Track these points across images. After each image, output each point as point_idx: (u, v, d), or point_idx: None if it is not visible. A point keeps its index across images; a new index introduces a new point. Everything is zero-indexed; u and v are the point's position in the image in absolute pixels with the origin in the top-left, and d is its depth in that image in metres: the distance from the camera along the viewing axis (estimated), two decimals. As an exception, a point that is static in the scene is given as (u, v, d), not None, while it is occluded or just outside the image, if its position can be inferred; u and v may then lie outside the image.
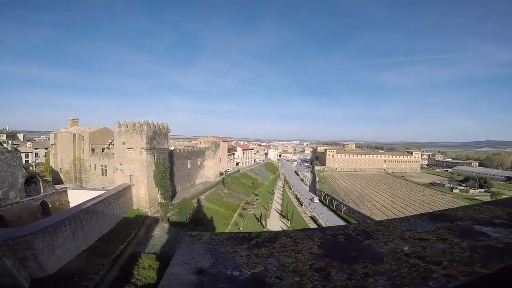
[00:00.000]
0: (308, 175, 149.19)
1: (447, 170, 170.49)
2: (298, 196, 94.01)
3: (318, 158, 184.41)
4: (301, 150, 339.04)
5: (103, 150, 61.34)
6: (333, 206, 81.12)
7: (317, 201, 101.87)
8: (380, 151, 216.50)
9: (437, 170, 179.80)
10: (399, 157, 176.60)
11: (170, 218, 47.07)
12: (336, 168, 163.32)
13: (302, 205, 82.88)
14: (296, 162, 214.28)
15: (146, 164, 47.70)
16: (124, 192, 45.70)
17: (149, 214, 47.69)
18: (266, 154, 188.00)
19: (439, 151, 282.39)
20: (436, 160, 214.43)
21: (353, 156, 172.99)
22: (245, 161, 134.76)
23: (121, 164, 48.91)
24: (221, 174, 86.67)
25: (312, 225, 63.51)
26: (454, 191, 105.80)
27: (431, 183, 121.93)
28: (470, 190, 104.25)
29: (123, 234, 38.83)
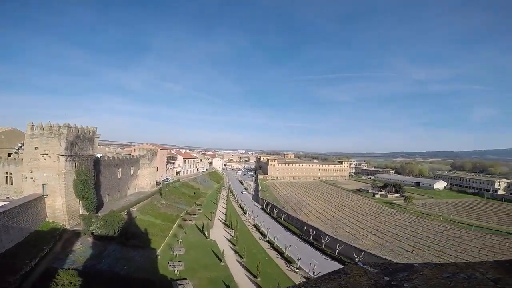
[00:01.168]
0: (252, 184, 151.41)
1: (370, 177, 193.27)
2: (242, 205, 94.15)
3: (261, 167, 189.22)
4: (246, 159, 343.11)
5: (9, 155, 51.41)
6: (274, 214, 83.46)
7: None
8: (315, 160, 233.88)
9: (363, 177, 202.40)
10: (332, 166, 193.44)
11: (94, 231, 41.79)
12: (277, 177, 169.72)
13: (245, 214, 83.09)
14: (241, 171, 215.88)
15: (64, 172, 41.55)
16: (34, 203, 39.41)
17: (67, 227, 41.93)
18: (211, 163, 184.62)
19: (364, 161, 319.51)
20: (362, 169, 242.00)
21: (292, 165, 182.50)
22: (187, 170, 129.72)
23: (31, 172, 41.67)
24: (158, 184, 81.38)
25: (255, 234, 64.03)
26: (376, 196, 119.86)
27: (357, 189, 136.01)
28: (389, 195, 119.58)
29: (34, 248, 34.52)
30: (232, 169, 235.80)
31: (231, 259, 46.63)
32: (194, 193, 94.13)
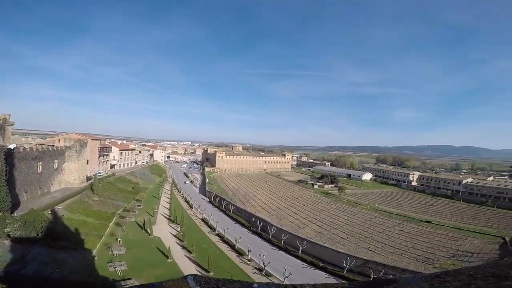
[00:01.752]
0: (198, 176, 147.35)
1: (309, 169, 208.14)
2: (188, 198, 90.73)
3: (208, 160, 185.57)
4: (192, 151, 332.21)
5: None
6: (222, 207, 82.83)
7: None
8: (261, 153, 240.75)
9: (303, 169, 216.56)
10: (276, 158, 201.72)
11: (11, 233, 34.84)
12: (225, 169, 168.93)
13: (192, 208, 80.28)
14: (186, 164, 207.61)
15: (-37, 166, 33.14)
16: None
17: (-29, 233, 33.55)
18: (152, 155, 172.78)
19: (304, 154, 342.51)
20: (302, 161, 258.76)
21: (240, 157, 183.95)
22: (124, 163, 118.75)
23: None
24: (89, 179, 72.34)
25: (204, 228, 62.46)
26: (315, 187, 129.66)
27: (298, 181, 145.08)
28: (325, 186, 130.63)
29: None
30: (177, 162, 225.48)
31: (179, 255, 44.68)
32: (133, 188, 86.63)
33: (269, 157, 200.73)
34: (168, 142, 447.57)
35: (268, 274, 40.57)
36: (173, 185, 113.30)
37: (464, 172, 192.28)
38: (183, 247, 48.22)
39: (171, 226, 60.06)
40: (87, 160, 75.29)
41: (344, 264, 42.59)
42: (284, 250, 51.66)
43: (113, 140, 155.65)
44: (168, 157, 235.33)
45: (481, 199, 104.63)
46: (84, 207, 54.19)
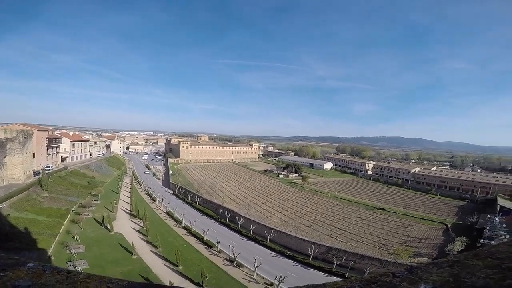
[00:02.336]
0: (161, 168, 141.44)
1: (275, 159, 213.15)
2: (150, 192, 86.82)
3: (172, 150, 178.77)
4: (154, 141, 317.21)
5: None
6: (188, 199, 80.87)
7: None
8: (229, 143, 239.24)
9: (269, 159, 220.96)
10: (243, 148, 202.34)
11: None
12: (190, 160, 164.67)
13: (155, 201, 77.04)
14: (147, 155, 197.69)
15: None
16: None
17: None
18: (109, 146, 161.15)
19: (271, 144, 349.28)
20: (269, 151, 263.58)
21: (206, 148, 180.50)
22: (77, 156, 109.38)
23: None
24: (37, 173, 65.23)
25: (169, 221, 60.55)
26: (280, 176, 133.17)
27: (265, 170, 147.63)
28: (290, 175, 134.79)
29: None
30: (137, 153, 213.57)
31: (144, 250, 43.02)
32: (88, 182, 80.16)
33: (236, 147, 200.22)
34: (128, 132, 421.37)
35: (239, 265, 41.01)
36: (133, 178, 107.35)
37: (412, 162, 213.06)
38: (148, 242, 46.49)
39: (133, 221, 57.23)
40: (33, 153, 67.55)
41: (309, 252, 44.78)
42: (253, 240, 52.59)
43: (64, 130, 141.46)
44: (128, 148, 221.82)
45: (427, 188, 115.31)
46: (33, 204, 49.02)
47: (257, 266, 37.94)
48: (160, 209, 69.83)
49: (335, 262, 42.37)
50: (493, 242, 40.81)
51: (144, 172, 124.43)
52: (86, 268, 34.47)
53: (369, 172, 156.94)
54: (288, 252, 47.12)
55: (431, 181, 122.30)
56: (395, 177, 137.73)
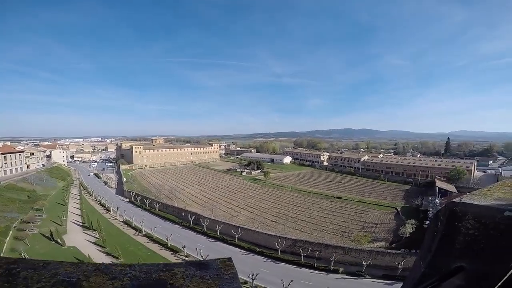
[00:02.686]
0: (113, 176, 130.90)
1: (237, 157, 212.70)
2: (103, 202, 79.79)
3: (124, 156, 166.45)
4: (103, 148, 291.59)
5: None
6: (146, 205, 76.31)
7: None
8: (187, 144, 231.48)
9: (232, 157, 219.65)
10: (203, 148, 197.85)
11: None
12: (145, 165, 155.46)
13: (109, 211, 71.05)
14: (96, 163, 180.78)
15: None
16: None
17: None
18: (49, 156, 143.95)
19: (232, 142, 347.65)
20: (231, 150, 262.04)
21: (162, 151, 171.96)
22: (11, 169, 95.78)
23: None
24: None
25: (128, 230, 56.52)
26: (243, 174, 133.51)
27: (228, 169, 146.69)
28: (252, 172, 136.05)
29: None
30: (84, 162, 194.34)
31: (104, 262, 39.43)
32: (28, 196, 70.89)
33: (195, 148, 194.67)
34: (72, 140, 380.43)
35: (208, 267, 40.08)
36: (82, 188, 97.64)
37: (362, 151, 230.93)
38: (108, 254, 43.29)
39: (87, 234, 52.38)
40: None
41: (277, 246, 45.84)
42: (221, 240, 51.99)
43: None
44: (72, 157, 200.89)
45: (376, 174, 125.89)
46: (-43, 227, 41.63)
47: (227, 266, 37.56)
48: (117, 219, 64.87)
49: (302, 254, 43.76)
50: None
51: (89, 175, 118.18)
52: None
53: (325, 163, 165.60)
54: (258, 249, 47.62)
55: (379, 168, 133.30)
56: (348, 166, 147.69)
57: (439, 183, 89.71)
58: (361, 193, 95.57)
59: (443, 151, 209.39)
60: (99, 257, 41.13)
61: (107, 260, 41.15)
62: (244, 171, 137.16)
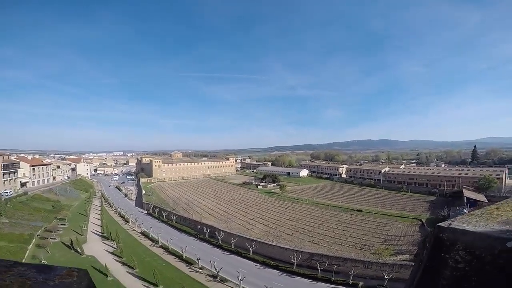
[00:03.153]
0: (133, 189, 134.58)
1: (253, 171, 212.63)
2: (123, 213, 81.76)
3: (143, 170, 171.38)
4: (125, 162, 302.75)
5: None
6: (163, 217, 77.22)
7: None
8: (204, 158, 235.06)
9: (247, 171, 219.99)
10: (220, 163, 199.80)
11: None
12: (164, 179, 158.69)
13: (128, 222, 72.56)
14: (117, 176, 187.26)
15: None
16: None
17: None
18: (74, 169, 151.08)
19: (248, 156, 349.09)
20: (246, 163, 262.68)
21: (180, 165, 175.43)
22: (39, 180, 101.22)
23: None
24: (-8, 201, 59.13)
25: (145, 241, 57.24)
26: (259, 187, 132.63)
27: (243, 183, 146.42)
28: (268, 185, 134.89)
29: None
30: (106, 175, 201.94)
31: (120, 272, 40.53)
32: (53, 206, 74.36)
33: (212, 162, 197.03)
34: (95, 154, 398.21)
35: (223, 280, 39.49)
36: (103, 200, 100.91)
37: (382, 162, 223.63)
38: (124, 264, 43.79)
39: (105, 243, 53.54)
40: (-14, 180, 61.23)
41: (293, 260, 44.34)
42: (236, 253, 51.14)
43: (22, 155, 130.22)
44: (96, 170, 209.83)
45: (398, 186, 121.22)
46: (-12, 233, 44.19)
47: (241, 280, 36.70)
48: (134, 230, 65.89)
49: (319, 267, 42.08)
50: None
51: (110, 186, 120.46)
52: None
53: (343, 176, 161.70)
54: (272, 262, 46.28)
55: (401, 179, 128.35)
56: (368, 178, 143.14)
57: (467, 193, 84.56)
58: (382, 205, 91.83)
59: (469, 160, 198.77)
60: (115, 267, 41.63)
61: (123, 269, 41.63)
62: (259, 185, 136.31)
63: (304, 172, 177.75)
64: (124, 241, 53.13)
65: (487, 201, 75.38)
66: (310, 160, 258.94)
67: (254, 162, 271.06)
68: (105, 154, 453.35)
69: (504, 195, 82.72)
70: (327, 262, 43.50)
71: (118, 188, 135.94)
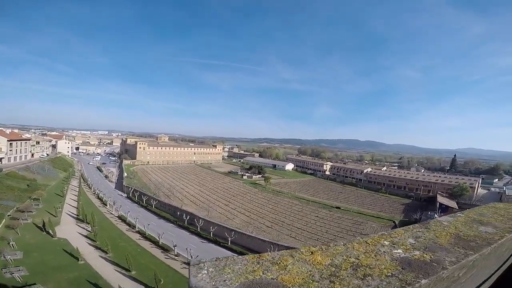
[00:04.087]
0: (114, 170, 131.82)
1: (240, 160, 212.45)
2: (101, 195, 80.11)
3: (128, 151, 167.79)
4: (109, 142, 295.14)
5: None
6: (143, 202, 76.35)
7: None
8: (191, 144, 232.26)
9: (234, 160, 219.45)
10: (207, 149, 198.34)
11: None
12: (148, 162, 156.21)
13: (106, 205, 71.25)
14: (99, 156, 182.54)
15: None
16: None
17: None
18: (54, 146, 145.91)
19: (236, 145, 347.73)
20: (234, 152, 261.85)
21: (166, 148, 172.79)
22: (16, 156, 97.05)
23: None
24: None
25: (121, 225, 56.48)
26: (244, 177, 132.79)
27: (229, 172, 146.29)
28: (253, 176, 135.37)
29: None
30: (88, 154, 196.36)
31: (92, 256, 39.91)
32: (28, 185, 71.45)
33: (199, 148, 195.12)
34: (79, 132, 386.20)
35: (197, 268, 39.65)
36: (82, 181, 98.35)
37: (366, 163, 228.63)
38: (97, 248, 43.10)
39: (80, 226, 52.31)
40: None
41: (269, 252, 44.99)
42: (214, 242, 51.45)
43: (0, 128, 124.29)
44: (77, 149, 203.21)
45: (377, 187, 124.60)
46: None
47: (216, 268, 37.00)
48: (112, 213, 64.80)
49: (293, 260, 42.92)
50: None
51: (89, 163, 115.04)
52: (25, 275, 31.40)
53: (327, 173, 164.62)
54: (250, 254, 46.68)
55: (381, 181, 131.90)
56: (350, 177, 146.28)
57: (440, 199, 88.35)
58: (360, 204, 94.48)
59: (448, 168, 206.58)
60: (88, 250, 40.81)
61: (95, 253, 40.99)
62: (245, 175, 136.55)
63: (289, 166, 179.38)
64: (100, 225, 52.22)
65: (457, 208, 79.05)
66: (297, 155, 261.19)
67: (242, 152, 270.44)
68: (89, 132, 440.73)
69: (473, 203, 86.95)
70: (302, 256, 44.30)
71: (99, 168, 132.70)
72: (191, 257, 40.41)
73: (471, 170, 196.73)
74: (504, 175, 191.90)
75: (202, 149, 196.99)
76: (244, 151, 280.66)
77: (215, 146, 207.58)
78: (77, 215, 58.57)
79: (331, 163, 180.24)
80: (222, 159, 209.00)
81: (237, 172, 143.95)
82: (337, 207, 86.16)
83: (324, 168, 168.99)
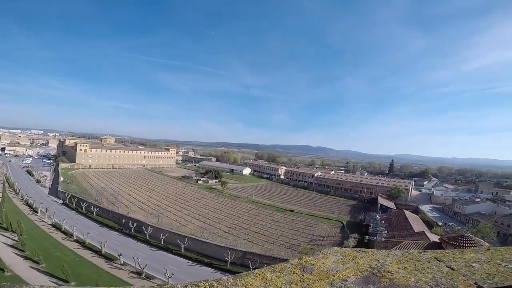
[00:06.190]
0: (48, 174, 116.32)
1: (195, 165, 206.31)
2: (30, 201, 69.55)
3: (65, 154, 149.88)
4: (44, 142, 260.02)
5: None
6: (82, 209, 68.42)
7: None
8: (141, 147, 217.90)
9: (189, 164, 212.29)
10: (158, 153, 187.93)
11: None
12: (90, 166, 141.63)
13: (37, 212, 62.00)
14: (31, 159, 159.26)
15: None
16: None
17: None
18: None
19: (192, 149, 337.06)
20: (189, 156, 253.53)
21: (111, 151, 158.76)
22: None
23: None
24: None
25: (56, 234, 49.71)
26: (199, 182, 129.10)
27: (183, 176, 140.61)
28: (210, 181, 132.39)
29: None
30: (17, 156, 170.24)
31: (21, 267, 35.18)
32: None
33: (149, 152, 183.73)
34: (6, 130, 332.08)
35: (149, 277, 36.84)
36: (7, 185, 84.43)
37: (316, 167, 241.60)
38: (27, 258, 37.88)
39: (4, 235, 45.02)
40: None
41: (227, 258, 44.02)
42: (165, 249, 48.30)
43: None
44: (3, 149, 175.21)
45: (327, 189, 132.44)
46: None
47: (169, 277, 34.67)
48: (44, 221, 56.72)
49: (251, 266, 42.43)
50: (376, 238, 48.34)
51: (10, 161, 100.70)
52: None
53: (282, 177, 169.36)
54: (206, 260, 45.09)
55: (330, 184, 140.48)
56: (302, 181, 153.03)
57: (381, 200, 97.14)
58: (312, 207, 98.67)
59: (387, 171, 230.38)
60: (15, 261, 35.36)
61: (25, 264, 35.44)
62: (200, 180, 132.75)
63: (247, 171, 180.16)
64: (30, 233, 45.50)
65: (395, 208, 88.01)
66: (254, 159, 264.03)
67: (198, 156, 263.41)
68: (19, 131, 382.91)
69: (408, 203, 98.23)
70: (259, 260, 44.00)
71: (29, 172, 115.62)
72: (140, 266, 37.30)
73: (406, 174, 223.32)
74: (433, 178, 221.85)
75: (153, 152, 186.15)
76: (201, 155, 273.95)
77: (168, 150, 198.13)
78: (0, 223, 49.94)
79: (285, 168, 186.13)
80: (176, 163, 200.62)
81: (192, 177, 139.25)
82: (290, 210, 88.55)
83: (279, 172, 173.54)
